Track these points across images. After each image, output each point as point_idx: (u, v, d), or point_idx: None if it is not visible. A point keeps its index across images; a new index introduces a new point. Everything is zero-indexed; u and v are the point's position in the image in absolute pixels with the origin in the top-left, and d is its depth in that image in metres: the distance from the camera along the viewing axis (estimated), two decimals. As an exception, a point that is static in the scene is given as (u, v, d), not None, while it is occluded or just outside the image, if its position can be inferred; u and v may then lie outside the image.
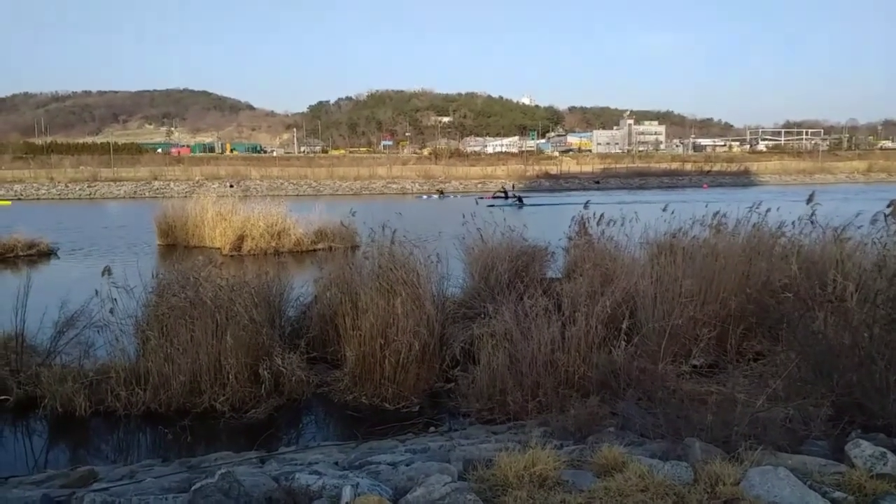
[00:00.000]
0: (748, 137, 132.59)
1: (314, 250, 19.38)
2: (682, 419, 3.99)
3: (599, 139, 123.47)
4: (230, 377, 6.86)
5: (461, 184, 73.95)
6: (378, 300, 7.39)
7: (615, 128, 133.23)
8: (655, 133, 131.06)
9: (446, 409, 6.94)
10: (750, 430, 3.51)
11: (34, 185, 64.29)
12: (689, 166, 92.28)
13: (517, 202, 38.85)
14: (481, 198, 43.63)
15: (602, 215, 10.89)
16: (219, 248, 19.30)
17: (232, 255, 18.44)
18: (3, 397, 7.11)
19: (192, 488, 2.58)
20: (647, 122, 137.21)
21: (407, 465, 3.27)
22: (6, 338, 7.71)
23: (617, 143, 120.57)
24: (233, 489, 2.56)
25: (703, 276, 8.22)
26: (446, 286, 9.12)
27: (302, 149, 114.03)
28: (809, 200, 8.70)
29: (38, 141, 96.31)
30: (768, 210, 9.84)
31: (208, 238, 20.49)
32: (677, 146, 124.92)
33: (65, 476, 4.93)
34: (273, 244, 19.61)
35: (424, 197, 49.71)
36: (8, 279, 16.58)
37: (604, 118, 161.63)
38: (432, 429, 6.24)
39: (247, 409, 6.78)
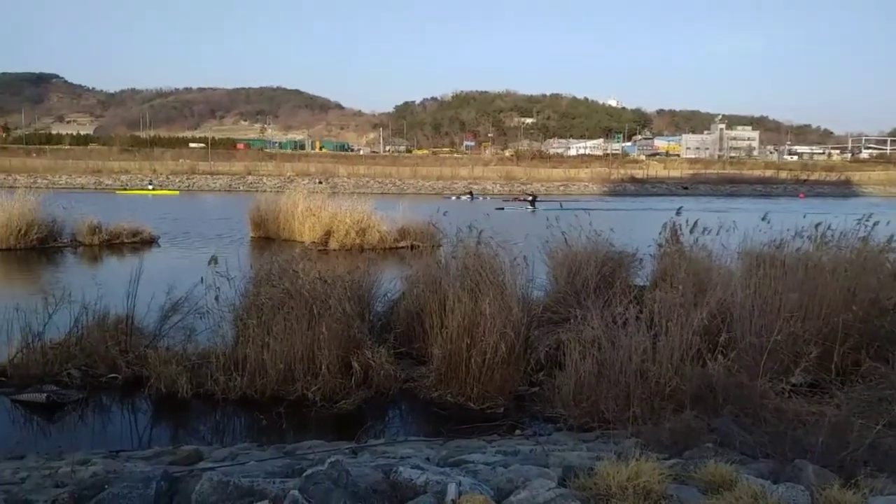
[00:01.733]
0: (850, 145, 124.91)
1: (396, 248, 19.74)
2: (787, 439, 3.82)
3: (689, 143, 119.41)
4: (322, 367, 7.05)
5: (542, 186, 73.41)
6: (465, 300, 7.42)
7: (705, 132, 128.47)
8: (748, 139, 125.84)
9: (530, 413, 6.92)
10: (866, 455, 3.32)
11: (139, 176, 68.44)
12: (784, 174, 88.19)
13: (529, 205, 39.05)
14: (510, 200, 44.01)
15: (696, 222, 10.53)
16: (314, 243, 19.86)
17: (319, 250, 18.99)
18: (112, 375, 7.59)
19: (304, 474, 2.68)
20: (739, 128, 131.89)
21: (504, 467, 3.29)
22: (117, 319, 8.21)
23: (707, 149, 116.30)
24: (341, 478, 2.64)
25: (805, 290, 7.83)
26: (531, 289, 9.06)
27: (387, 148, 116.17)
28: (929, 215, 8.16)
29: (143, 134, 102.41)
30: (876, 223, 9.28)
31: (297, 232, 21.18)
32: (771, 153, 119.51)
33: (171, 453, 5.22)
34: (358, 241, 20.05)
35: (453, 198, 49.88)
36: (113, 265, 17.73)
37: (693, 122, 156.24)
38: (518, 432, 6.23)
39: (337, 399, 6.95)
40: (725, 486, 2.83)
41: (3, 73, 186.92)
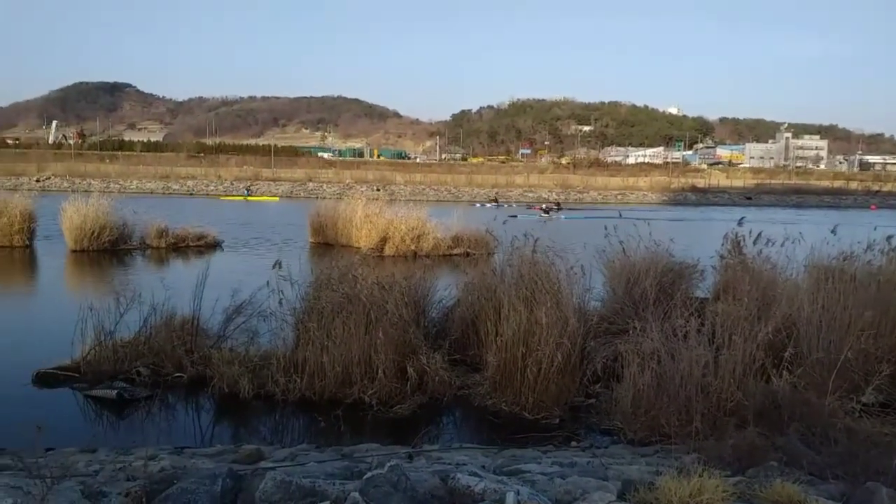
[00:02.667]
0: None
1: (450, 255, 19.82)
2: (859, 460, 3.67)
3: (752, 152, 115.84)
4: (379, 372, 7.15)
5: (599, 194, 72.51)
6: (520, 308, 7.38)
7: (770, 141, 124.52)
8: (816, 148, 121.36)
9: (586, 425, 6.82)
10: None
11: (204, 181, 70.90)
12: (854, 185, 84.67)
13: (542, 213, 39.12)
14: (534, 206, 43.91)
15: (760, 234, 10.20)
16: (370, 249, 20.08)
17: (375, 256, 19.22)
18: (178, 374, 7.88)
19: (364, 477, 2.73)
20: (806, 136, 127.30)
21: (562, 479, 3.26)
22: (183, 320, 8.51)
23: (772, 158, 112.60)
24: (400, 482, 2.68)
25: (877, 305, 7.51)
26: (588, 299, 8.94)
27: (443, 156, 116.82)
28: None
29: (209, 142, 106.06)
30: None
31: (355, 238, 21.47)
32: (841, 163, 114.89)
33: (233, 452, 5.37)
34: (412, 247, 20.22)
35: (478, 205, 49.60)
36: (179, 267, 18.37)
37: (758, 130, 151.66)
38: (574, 443, 6.15)
39: (393, 403, 7.03)
40: (793, 506, 2.75)
41: (81, 83, 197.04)
